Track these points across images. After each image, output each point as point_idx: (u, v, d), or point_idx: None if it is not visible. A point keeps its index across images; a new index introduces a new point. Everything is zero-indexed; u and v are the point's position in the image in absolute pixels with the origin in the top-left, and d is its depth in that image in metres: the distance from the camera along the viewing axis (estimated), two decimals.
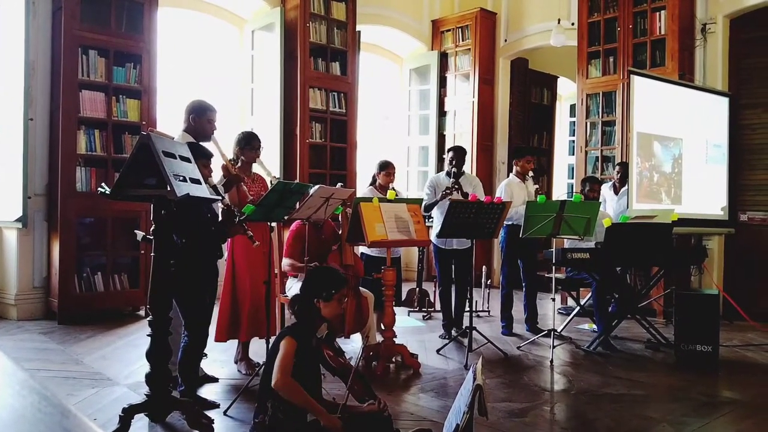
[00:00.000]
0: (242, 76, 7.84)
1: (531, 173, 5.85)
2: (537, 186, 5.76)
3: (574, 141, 8.58)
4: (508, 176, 6.31)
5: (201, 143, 3.78)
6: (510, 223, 5.61)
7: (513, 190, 5.77)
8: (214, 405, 3.51)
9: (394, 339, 4.59)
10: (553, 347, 4.83)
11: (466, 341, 4.87)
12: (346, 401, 2.69)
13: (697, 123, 6.71)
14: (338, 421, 2.59)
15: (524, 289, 5.90)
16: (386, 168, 5.57)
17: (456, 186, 5.38)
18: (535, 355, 5.01)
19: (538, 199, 5.10)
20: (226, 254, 4.28)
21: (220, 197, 3.55)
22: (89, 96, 5.81)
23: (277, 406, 2.63)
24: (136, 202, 5.32)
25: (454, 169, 5.53)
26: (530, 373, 4.49)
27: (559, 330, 5.52)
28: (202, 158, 3.56)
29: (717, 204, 6.90)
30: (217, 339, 4.24)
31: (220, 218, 3.65)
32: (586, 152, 7.67)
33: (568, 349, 5.25)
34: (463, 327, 5.29)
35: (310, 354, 2.76)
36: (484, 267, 7.24)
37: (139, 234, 3.38)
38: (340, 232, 4.86)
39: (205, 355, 3.93)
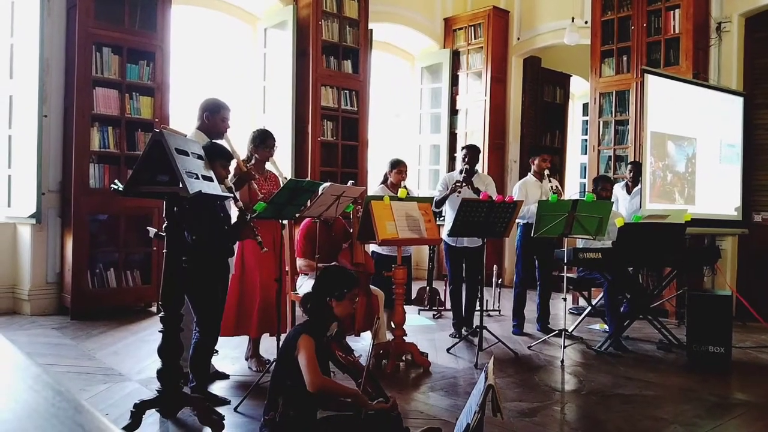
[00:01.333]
0: (254, 74, 7.86)
1: (547, 172, 5.81)
2: (552, 185, 5.69)
3: (586, 140, 8.54)
4: (519, 175, 6.29)
5: (218, 143, 3.80)
6: (525, 221, 5.60)
7: (528, 189, 5.76)
8: (224, 401, 3.53)
9: (404, 337, 4.59)
10: (564, 347, 4.81)
11: (476, 340, 4.86)
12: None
13: (711, 122, 6.65)
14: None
15: (538, 287, 5.88)
16: (398, 166, 5.57)
17: (466, 182, 5.36)
18: (546, 354, 4.99)
19: (550, 199, 5.08)
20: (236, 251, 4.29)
21: (232, 195, 3.56)
22: (103, 93, 5.85)
23: (288, 403, 2.63)
24: (148, 199, 5.30)
25: (467, 167, 5.52)
26: (541, 372, 4.48)
27: (570, 330, 5.50)
28: (222, 159, 3.56)
29: (731, 204, 6.84)
30: (222, 334, 4.26)
31: (233, 219, 3.66)
32: (599, 151, 7.63)
33: (579, 349, 5.23)
34: (474, 326, 5.28)
35: (321, 352, 2.76)
36: (495, 266, 7.23)
37: (152, 231, 3.39)
38: (350, 230, 4.86)
39: (216, 351, 3.95)
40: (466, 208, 4.70)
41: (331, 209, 4.37)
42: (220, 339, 3.79)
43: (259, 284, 4.18)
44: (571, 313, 6.68)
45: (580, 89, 10.36)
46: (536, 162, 5.86)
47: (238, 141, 4.13)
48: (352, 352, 3.00)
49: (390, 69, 9.55)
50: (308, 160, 7.26)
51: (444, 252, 5.80)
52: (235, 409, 3.44)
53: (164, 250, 3.05)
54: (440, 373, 4.38)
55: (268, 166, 4.51)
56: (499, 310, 6.74)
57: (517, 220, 5.62)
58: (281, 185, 4.09)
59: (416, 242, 4.79)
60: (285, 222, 4.25)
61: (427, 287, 7.05)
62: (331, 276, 2.95)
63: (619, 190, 6.80)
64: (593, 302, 6.15)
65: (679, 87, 6.44)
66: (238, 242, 4.23)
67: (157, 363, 3.07)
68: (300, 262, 4.70)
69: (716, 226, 6.69)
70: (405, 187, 5.34)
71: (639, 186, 6.28)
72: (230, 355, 4.53)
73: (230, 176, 3.91)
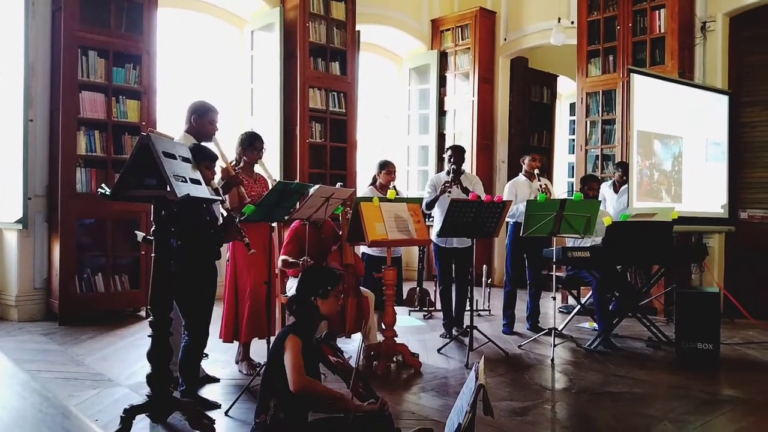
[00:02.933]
0: (242, 77, 7.84)
1: (537, 171, 5.83)
2: (541, 184, 5.69)
3: (574, 140, 8.58)
4: (508, 175, 6.32)
5: (204, 144, 3.79)
6: (515, 220, 5.62)
7: (518, 189, 5.79)
8: (215, 405, 3.51)
9: (395, 338, 4.59)
10: (554, 346, 4.83)
11: (467, 340, 4.87)
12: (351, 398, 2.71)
13: (697, 121, 6.71)
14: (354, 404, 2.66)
15: (528, 287, 5.90)
16: (387, 167, 5.57)
17: (455, 182, 5.38)
18: (536, 353, 5.01)
19: (538, 198, 5.10)
20: (228, 255, 4.28)
21: (220, 198, 3.55)
22: (89, 97, 5.81)
23: (279, 406, 2.62)
24: (136, 203, 5.32)
25: (453, 167, 5.53)
26: (531, 371, 4.49)
27: (559, 329, 5.52)
28: (206, 160, 3.56)
29: (717, 202, 6.90)
30: (225, 339, 4.26)
31: (220, 221, 3.65)
32: (586, 151, 7.67)
33: (569, 347, 5.25)
34: (464, 326, 5.29)
35: (311, 353, 2.76)
36: (484, 266, 7.25)
37: (140, 235, 3.38)
38: (340, 232, 4.86)
39: (206, 355, 3.93)
40: (455, 209, 4.71)
41: (321, 211, 4.37)
42: (210, 343, 3.77)
43: (249, 288, 4.17)
44: (560, 311, 6.71)
45: (567, 89, 10.41)
46: (526, 162, 5.89)
47: (226, 144, 4.12)
48: (342, 354, 3.00)
49: (378, 70, 9.56)
50: (297, 162, 7.25)
51: (433, 252, 5.81)
52: (226, 413, 3.43)
53: (152, 254, 3.03)
54: (431, 373, 4.38)
55: (257, 168, 4.50)
56: (489, 310, 6.76)
57: (507, 219, 5.64)
58: (270, 187, 4.08)
59: (406, 243, 4.80)
60: (274, 224, 4.24)
61: (417, 288, 7.06)
62: (313, 275, 2.94)
63: (606, 189, 6.84)
64: (582, 301, 6.17)
65: (665, 86, 6.49)
66: (228, 247, 4.22)
67: (146, 368, 3.05)
68: (281, 258, 4.65)
69: (703, 223, 6.74)
70: (394, 188, 5.34)
71: (626, 185, 6.32)
72: (220, 359, 4.51)
73: (218, 179, 3.90)
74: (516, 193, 5.75)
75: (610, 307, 5.66)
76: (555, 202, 4.90)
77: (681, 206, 6.31)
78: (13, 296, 5.73)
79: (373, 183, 5.65)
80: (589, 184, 6.02)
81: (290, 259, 4.58)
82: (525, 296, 5.96)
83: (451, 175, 5.46)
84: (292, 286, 4.70)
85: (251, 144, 4.38)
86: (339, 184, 5.22)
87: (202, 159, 3.50)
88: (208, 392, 3.81)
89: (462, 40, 9.04)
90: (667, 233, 5.22)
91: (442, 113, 9.21)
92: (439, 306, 6.00)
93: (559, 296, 6.40)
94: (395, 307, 4.68)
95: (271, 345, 2.97)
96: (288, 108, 7.33)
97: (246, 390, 3.65)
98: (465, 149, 5.88)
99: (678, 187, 6.59)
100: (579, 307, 6.11)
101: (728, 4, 6.94)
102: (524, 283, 5.96)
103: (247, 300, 4.16)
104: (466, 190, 5.37)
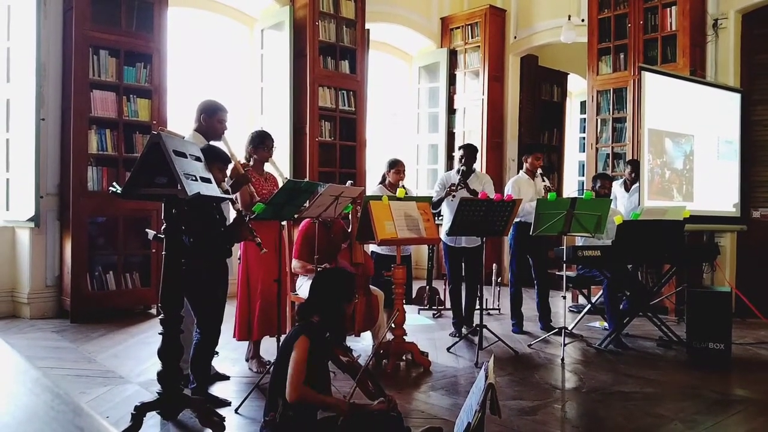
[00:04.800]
0: (252, 75, 7.86)
1: (540, 170, 5.82)
2: (546, 183, 5.70)
3: (584, 138, 8.54)
4: (518, 173, 6.28)
5: (216, 145, 3.80)
6: (518, 220, 5.59)
7: (521, 187, 5.74)
8: (225, 403, 3.53)
9: (405, 337, 4.59)
10: (564, 345, 4.81)
11: (476, 339, 4.87)
12: (351, 395, 2.71)
13: (709, 119, 6.66)
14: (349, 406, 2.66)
15: (536, 287, 5.87)
16: (396, 166, 5.57)
17: (461, 185, 5.36)
18: (546, 353, 4.99)
19: (548, 197, 5.08)
20: (239, 253, 4.29)
21: (230, 197, 3.56)
22: (100, 96, 5.85)
23: (288, 404, 2.63)
24: (147, 201, 5.34)
25: (463, 167, 5.52)
26: (541, 371, 4.48)
27: (570, 328, 5.50)
28: (218, 162, 3.57)
29: (729, 201, 6.85)
30: (239, 338, 4.28)
31: (230, 221, 3.66)
32: (597, 149, 7.63)
33: (579, 347, 5.23)
34: (474, 325, 5.28)
35: (321, 352, 2.76)
36: (494, 265, 7.23)
37: (151, 233, 3.39)
38: (349, 230, 4.86)
39: (217, 353, 3.94)
40: (465, 207, 4.70)
41: (330, 209, 4.37)
42: (221, 341, 3.78)
43: (260, 286, 4.18)
44: (570, 311, 6.69)
45: (578, 87, 10.36)
46: (529, 160, 5.86)
47: (236, 143, 4.13)
48: (352, 352, 3.00)
49: (387, 69, 9.56)
50: (306, 160, 7.26)
51: (443, 252, 5.80)
52: (236, 411, 3.44)
53: (163, 252, 3.05)
54: (441, 372, 4.38)
55: (268, 167, 4.51)
56: (499, 309, 6.74)
57: None
58: (281, 185, 4.09)
59: (415, 242, 4.79)
60: (284, 223, 4.24)
61: (427, 287, 7.06)
62: (340, 281, 2.93)
63: (617, 188, 6.80)
64: (593, 300, 6.15)
65: (676, 84, 6.45)
66: (240, 245, 4.24)
67: (157, 365, 3.06)
68: (295, 264, 4.69)
69: (715, 222, 6.70)
70: (403, 186, 5.34)
71: (637, 183, 6.28)
72: (230, 357, 4.53)
73: (227, 179, 3.91)
74: (519, 191, 5.70)
75: (621, 306, 5.63)
76: (565, 201, 4.88)
77: (692, 205, 6.27)
78: (26, 294, 5.78)
79: (383, 181, 5.65)
80: (602, 183, 5.98)
81: (308, 266, 4.56)
82: (533, 296, 5.94)
83: (459, 176, 5.44)
84: (302, 284, 4.71)
85: (261, 142, 4.40)
86: (349, 182, 5.22)
87: (215, 160, 3.51)
88: (218, 390, 3.83)
89: (472, 38, 9.02)
90: (678, 232, 5.19)
91: (451, 111, 9.19)
92: (448, 305, 6.00)
93: (569, 295, 6.38)
94: (405, 306, 4.67)
95: (281, 343, 2.97)
96: (298, 107, 7.35)
97: (256, 388, 3.66)
98: (477, 148, 5.85)
99: (689, 186, 6.55)
100: (589, 306, 6.09)
101: (741, 1, 6.89)
102: (529, 283, 5.94)
103: (257, 298, 4.19)
104: (473, 193, 5.33)
